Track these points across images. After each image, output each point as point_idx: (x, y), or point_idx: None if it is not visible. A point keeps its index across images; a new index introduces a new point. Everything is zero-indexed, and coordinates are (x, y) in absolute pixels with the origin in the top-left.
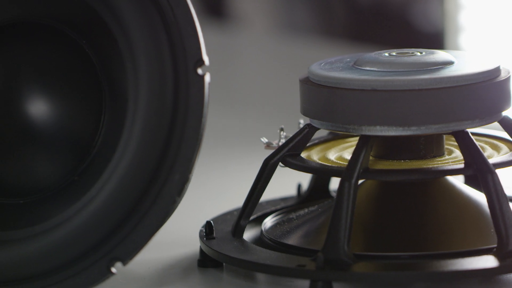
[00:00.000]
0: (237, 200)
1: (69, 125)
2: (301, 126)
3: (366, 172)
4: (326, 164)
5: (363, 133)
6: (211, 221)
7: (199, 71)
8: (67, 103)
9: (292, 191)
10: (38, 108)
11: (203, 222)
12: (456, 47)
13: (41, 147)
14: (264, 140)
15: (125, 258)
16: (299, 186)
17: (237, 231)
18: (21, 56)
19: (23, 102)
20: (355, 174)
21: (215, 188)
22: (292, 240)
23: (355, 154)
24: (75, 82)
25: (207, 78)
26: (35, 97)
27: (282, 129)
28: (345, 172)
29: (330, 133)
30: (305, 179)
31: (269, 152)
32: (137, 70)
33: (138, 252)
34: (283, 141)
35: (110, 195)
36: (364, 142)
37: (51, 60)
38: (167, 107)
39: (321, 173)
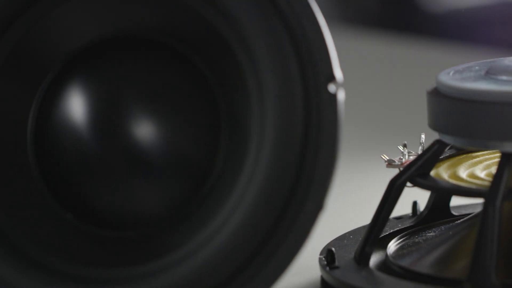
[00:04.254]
0: (351, 222)
1: (182, 151)
2: (423, 141)
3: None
4: (462, 184)
5: (505, 149)
6: (333, 249)
7: (332, 88)
8: (179, 126)
9: (400, 209)
10: (147, 132)
11: (317, 247)
12: None
13: (152, 175)
14: (385, 157)
15: None
16: (415, 204)
17: (362, 259)
18: (128, 75)
19: (130, 125)
20: (500, 196)
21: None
22: (425, 267)
23: (498, 173)
24: (187, 103)
25: (341, 95)
26: (143, 120)
27: (405, 146)
28: (488, 193)
29: (450, 147)
30: (416, 196)
31: (391, 170)
32: (261, 89)
33: None
34: (408, 158)
35: (238, 227)
36: (507, 160)
37: (160, 79)
38: (298, 129)
39: (458, 194)
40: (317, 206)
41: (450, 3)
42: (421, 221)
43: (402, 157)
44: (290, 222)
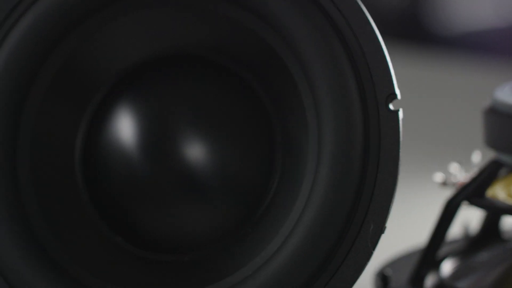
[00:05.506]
0: (403, 243)
1: (235, 172)
2: (476, 160)
3: None
4: None
5: None
6: (387, 271)
7: (391, 106)
8: (232, 147)
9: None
10: (199, 153)
11: (369, 269)
12: None
13: (204, 197)
14: (439, 177)
15: None
16: (466, 227)
17: (418, 281)
18: (180, 94)
19: (182, 146)
20: None
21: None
22: None
23: None
24: (241, 124)
25: (401, 114)
26: (195, 141)
27: (458, 164)
28: None
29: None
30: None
31: (442, 190)
32: (318, 108)
33: None
34: (462, 177)
35: (296, 250)
36: None
37: (213, 99)
38: (357, 149)
39: None
40: (378, 228)
41: (459, 27)
42: (473, 242)
43: (455, 177)
44: (350, 245)
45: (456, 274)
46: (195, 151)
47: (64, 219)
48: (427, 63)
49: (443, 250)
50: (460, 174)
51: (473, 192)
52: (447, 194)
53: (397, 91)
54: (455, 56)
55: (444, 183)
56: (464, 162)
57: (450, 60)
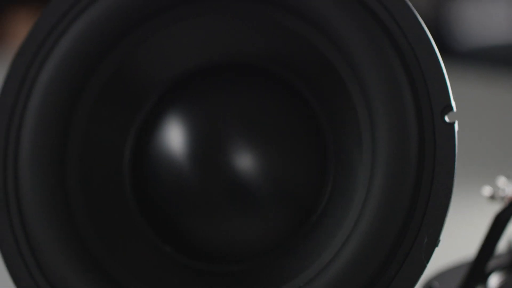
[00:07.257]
0: (449, 257)
1: (286, 182)
2: None
3: None
4: None
5: None
6: (433, 284)
7: (447, 118)
8: (283, 157)
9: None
10: (249, 163)
11: None
12: None
13: (254, 207)
14: (487, 191)
15: None
16: (511, 241)
17: None
18: (231, 103)
19: (232, 155)
20: None
21: None
22: None
23: None
24: (292, 133)
25: (456, 126)
26: (246, 150)
27: (506, 178)
28: None
29: None
30: None
31: (489, 204)
32: (372, 119)
33: None
34: (507, 191)
35: (349, 262)
36: None
37: (264, 108)
38: (412, 160)
39: None
40: (432, 241)
41: (473, 42)
42: None
43: (504, 191)
44: (403, 257)
45: None
46: (246, 161)
47: (112, 226)
48: (458, 77)
49: (490, 264)
50: (508, 188)
51: None
52: (495, 208)
53: (453, 103)
54: (483, 70)
55: (492, 197)
56: None
57: (477, 74)
